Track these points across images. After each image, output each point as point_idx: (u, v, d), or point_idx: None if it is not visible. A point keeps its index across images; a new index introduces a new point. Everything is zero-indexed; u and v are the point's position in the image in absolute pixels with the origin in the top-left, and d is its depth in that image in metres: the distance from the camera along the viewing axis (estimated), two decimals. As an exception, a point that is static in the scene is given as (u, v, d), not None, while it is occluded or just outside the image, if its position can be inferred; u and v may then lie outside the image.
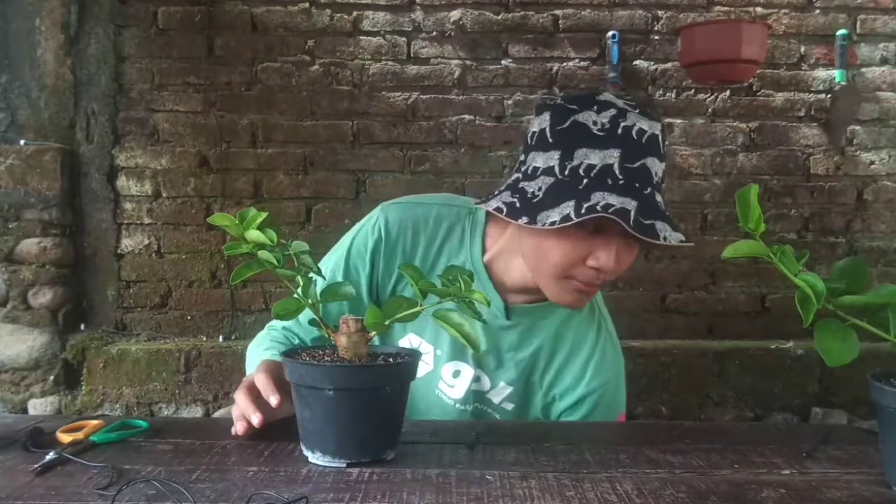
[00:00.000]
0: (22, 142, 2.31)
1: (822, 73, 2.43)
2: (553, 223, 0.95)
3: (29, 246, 2.29)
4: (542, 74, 2.43)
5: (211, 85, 2.41)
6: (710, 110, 2.44)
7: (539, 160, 1.03)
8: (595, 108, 1.00)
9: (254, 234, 0.88)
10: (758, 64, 2.30)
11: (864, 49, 2.44)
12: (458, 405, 1.21)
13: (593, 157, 0.98)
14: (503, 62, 2.42)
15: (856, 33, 2.44)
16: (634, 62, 2.43)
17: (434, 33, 2.41)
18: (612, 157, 0.97)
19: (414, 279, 0.89)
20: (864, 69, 2.44)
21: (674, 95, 2.44)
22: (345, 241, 1.21)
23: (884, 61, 2.45)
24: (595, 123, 0.99)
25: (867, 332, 0.81)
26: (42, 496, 0.77)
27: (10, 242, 2.28)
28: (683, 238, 0.98)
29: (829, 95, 2.42)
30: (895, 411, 0.81)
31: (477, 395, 1.21)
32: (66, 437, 0.95)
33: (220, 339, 2.40)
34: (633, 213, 0.94)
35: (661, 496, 0.78)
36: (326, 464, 0.87)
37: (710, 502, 0.77)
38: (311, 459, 0.89)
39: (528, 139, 1.07)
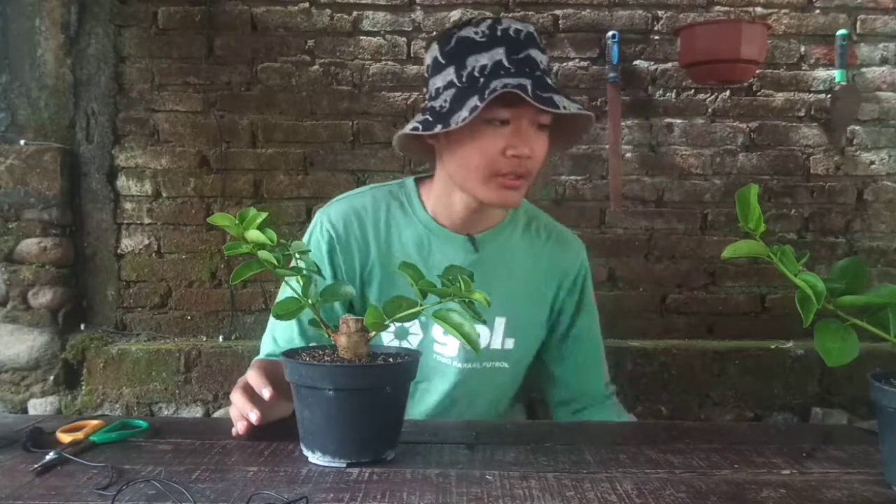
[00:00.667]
0: (22, 142, 2.31)
1: (822, 73, 2.43)
2: (464, 119, 1.05)
3: (29, 246, 2.29)
4: (542, 74, 2.42)
5: (211, 85, 2.41)
6: (710, 110, 2.44)
7: (439, 81, 1.15)
8: (472, 23, 1.13)
9: (254, 234, 0.88)
10: (758, 64, 2.30)
11: (864, 49, 2.44)
12: (455, 363, 1.23)
13: (483, 59, 1.10)
14: (503, 62, 2.42)
15: (856, 33, 2.43)
16: (634, 62, 2.43)
17: (434, 33, 2.41)
18: (499, 54, 1.09)
19: (414, 279, 0.89)
20: (864, 69, 2.44)
21: (674, 95, 2.44)
22: None
23: (884, 61, 2.45)
24: (476, 33, 1.12)
25: (867, 332, 0.81)
26: (42, 496, 0.77)
27: (10, 242, 2.28)
28: (581, 107, 1.10)
29: (829, 95, 2.42)
30: (895, 411, 0.81)
31: (482, 353, 1.24)
32: (66, 437, 0.95)
33: (220, 339, 2.40)
34: (530, 87, 1.05)
35: (661, 496, 0.78)
36: (326, 464, 0.87)
37: (710, 502, 0.77)
38: (311, 459, 0.89)
39: (426, 72, 1.19)
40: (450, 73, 1.12)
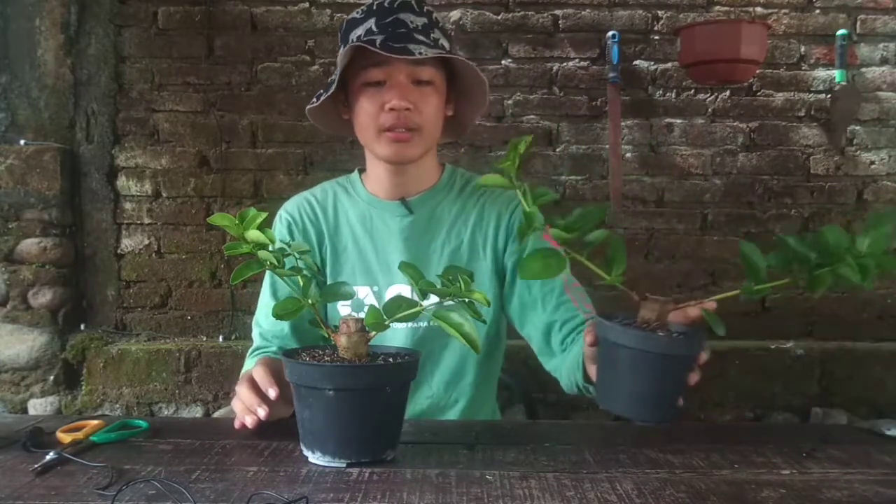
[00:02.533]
0: (22, 142, 2.31)
1: (822, 73, 2.43)
2: (334, 81, 1.19)
3: (29, 246, 2.29)
4: (542, 74, 2.43)
5: (211, 85, 2.41)
6: (710, 110, 2.44)
7: (338, 62, 1.24)
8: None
9: (254, 234, 0.88)
10: (758, 64, 2.30)
11: (864, 49, 2.44)
12: (410, 324, 1.26)
13: (358, 31, 1.21)
14: (503, 62, 2.42)
15: (856, 33, 2.43)
16: (634, 62, 2.43)
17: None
18: (370, 23, 1.21)
19: (414, 279, 0.89)
20: (864, 69, 2.44)
21: (674, 95, 2.44)
22: None
23: (884, 61, 2.45)
24: (357, 12, 1.24)
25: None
26: (42, 496, 0.77)
27: (10, 242, 2.28)
28: (443, 52, 1.18)
29: (829, 95, 2.42)
30: (611, 343, 0.91)
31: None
32: (66, 437, 0.95)
33: (220, 339, 2.40)
34: (378, 40, 1.16)
35: (661, 496, 0.78)
36: (326, 464, 0.87)
37: (710, 502, 0.77)
38: (311, 459, 0.89)
39: None
40: (340, 52, 1.23)
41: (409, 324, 1.26)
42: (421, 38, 1.19)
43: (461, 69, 1.24)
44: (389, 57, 1.15)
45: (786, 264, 0.87)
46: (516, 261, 1.27)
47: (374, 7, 1.22)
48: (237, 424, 1.01)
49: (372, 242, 1.29)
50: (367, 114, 1.20)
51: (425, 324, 1.26)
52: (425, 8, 1.24)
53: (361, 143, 1.27)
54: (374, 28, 1.19)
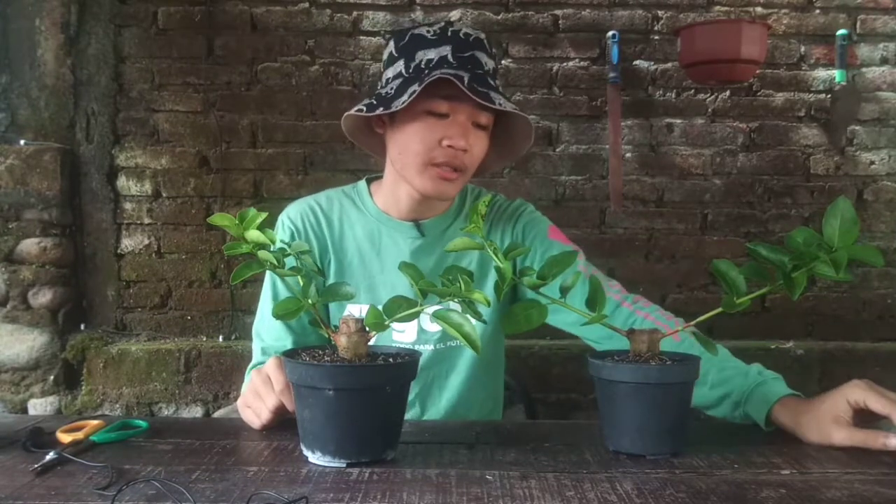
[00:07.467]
0: (22, 142, 2.31)
1: (822, 73, 2.43)
2: (403, 102, 1.12)
3: (29, 246, 2.29)
4: (542, 74, 2.43)
5: (211, 85, 2.41)
6: (710, 110, 2.44)
7: (390, 73, 1.22)
8: (427, 24, 1.22)
9: (254, 234, 0.89)
10: (758, 64, 2.30)
11: (864, 49, 2.44)
12: (416, 347, 1.25)
13: (430, 54, 1.17)
14: (503, 62, 2.42)
15: (856, 33, 2.44)
16: (634, 62, 2.43)
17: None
18: (446, 50, 1.16)
19: (414, 279, 0.89)
20: (864, 69, 2.44)
21: (674, 95, 2.44)
22: None
23: (884, 61, 2.45)
24: (429, 32, 1.19)
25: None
26: (42, 496, 0.77)
27: (10, 242, 2.28)
28: (518, 109, 1.16)
29: (829, 95, 2.42)
30: (602, 380, 0.93)
31: (441, 334, 1.26)
32: (66, 437, 0.95)
33: (220, 339, 2.40)
34: (466, 79, 1.12)
35: (661, 496, 0.78)
36: (326, 464, 0.87)
37: (710, 502, 0.77)
38: (311, 459, 0.89)
39: (382, 66, 1.27)
40: (399, 66, 1.19)
41: (418, 346, 1.25)
42: (493, 83, 1.17)
43: (508, 122, 1.23)
44: (462, 93, 1.11)
45: (761, 273, 0.89)
46: (529, 263, 1.26)
47: (450, 34, 1.17)
48: (249, 417, 1.04)
49: (379, 260, 1.27)
50: (421, 141, 1.16)
51: (431, 346, 1.26)
52: (493, 50, 1.23)
53: (396, 165, 1.23)
54: (451, 59, 1.15)
